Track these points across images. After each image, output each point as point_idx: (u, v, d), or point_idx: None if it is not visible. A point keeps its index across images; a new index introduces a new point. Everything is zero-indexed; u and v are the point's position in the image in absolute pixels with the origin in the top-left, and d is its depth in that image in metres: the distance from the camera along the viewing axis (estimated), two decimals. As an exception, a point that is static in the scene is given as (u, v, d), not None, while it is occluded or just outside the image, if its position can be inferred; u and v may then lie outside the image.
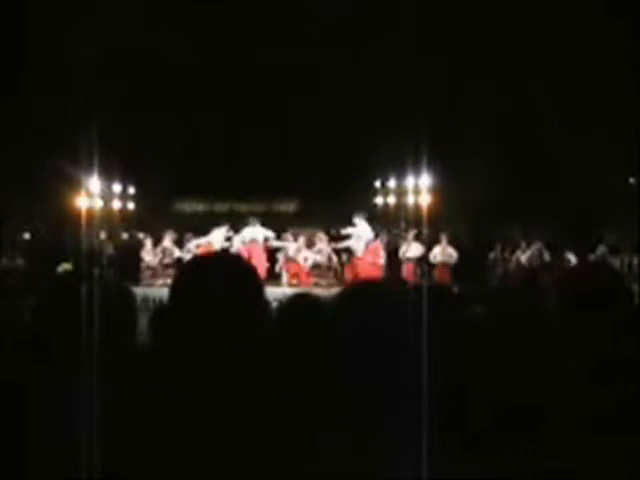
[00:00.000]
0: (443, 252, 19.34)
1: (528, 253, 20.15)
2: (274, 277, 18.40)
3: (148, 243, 19.04)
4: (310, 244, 18.93)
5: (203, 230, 19.43)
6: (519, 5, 22.54)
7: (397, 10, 22.88)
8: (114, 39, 22.32)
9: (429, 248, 19.12)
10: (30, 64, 22.42)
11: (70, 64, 21.98)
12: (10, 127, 21.62)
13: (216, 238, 18.36)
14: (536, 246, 20.15)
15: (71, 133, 17.97)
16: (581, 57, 21.99)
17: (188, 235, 19.17)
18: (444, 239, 19.40)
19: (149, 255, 18.91)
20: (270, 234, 18.73)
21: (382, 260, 18.53)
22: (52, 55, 22.42)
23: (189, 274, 2.20)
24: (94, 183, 18.37)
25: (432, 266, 19.22)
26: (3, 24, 21.65)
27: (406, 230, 19.80)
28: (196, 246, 18.34)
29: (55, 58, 22.39)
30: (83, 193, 18.28)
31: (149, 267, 18.82)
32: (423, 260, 19.11)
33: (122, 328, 2.38)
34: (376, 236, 18.97)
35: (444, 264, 19.30)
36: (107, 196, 20.95)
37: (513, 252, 20.79)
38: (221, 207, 26.79)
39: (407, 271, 18.79)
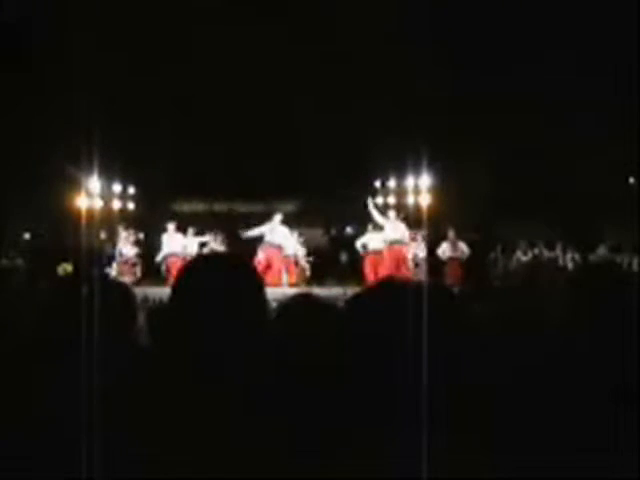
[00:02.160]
0: (453, 247, 18.71)
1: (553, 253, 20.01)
2: None
3: (123, 234, 18.61)
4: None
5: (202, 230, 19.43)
6: (518, 6, 22.56)
7: (398, 12, 22.90)
8: (116, 39, 22.33)
9: (430, 247, 18.75)
10: (30, 64, 22.44)
11: (71, 63, 21.99)
12: (10, 127, 21.63)
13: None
14: (559, 246, 20.09)
15: (71, 133, 17.98)
16: (581, 57, 22.00)
17: None
18: (452, 233, 18.82)
19: (126, 247, 18.46)
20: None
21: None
22: (52, 54, 22.42)
23: (189, 274, 2.19)
24: (94, 183, 18.36)
25: (443, 263, 18.63)
26: (4, 25, 21.64)
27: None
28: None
29: (55, 57, 22.40)
30: (83, 193, 18.26)
31: (127, 261, 18.43)
32: (424, 259, 18.74)
33: (122, 328, 2.37)
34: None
35: (455, 260, 18.66)
36: (107, 196, 20.93)
37: (513, 252, 20.81)
38: (221, 207, 26.79)
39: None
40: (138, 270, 18.52)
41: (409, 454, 1.85)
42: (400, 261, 17.41)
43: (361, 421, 1.93)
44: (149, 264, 18.55)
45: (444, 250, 18.74)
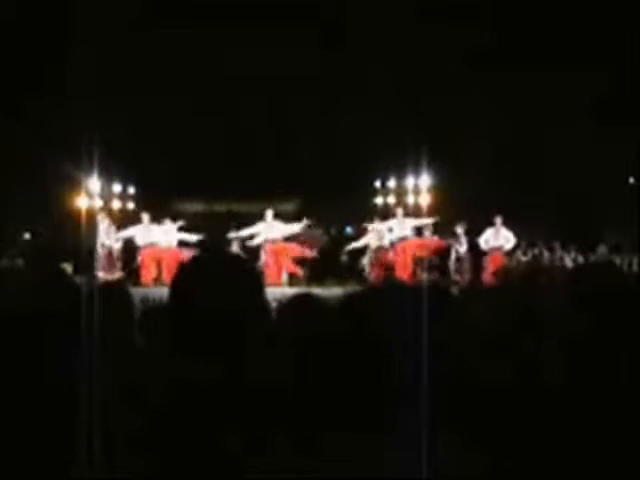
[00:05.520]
0: (497, 235, 17.33)
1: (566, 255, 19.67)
2: None
3: (105, 223, 17.94)
4: None
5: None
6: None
7: (397, 10, 22.90)
8: (113, 39, 22.32)
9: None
10: (29, 64, 22.43)
11: (69, 64, 21.98)
12: (10, 127, 21.63)
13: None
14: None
15: (71, 133, 17.94)
16: (580, 57, 21.99)
17: None
18: (499, 220, 17.40)
19: (108, 239, 17.69)
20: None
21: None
22: (51, 55, 22.42)
23: (189, 273, 2.19)
24: (94, 183, 18.29)
25: (484, 253, 17.38)
26: (5, 28, 21.63)
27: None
28: None
29: (54, 58, 22.39)
30: (83, 193, 18.18)
31: (111, 254, 17.57)
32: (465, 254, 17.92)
33: (120, 327, 2.38)
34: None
35: (499, 250, 17.28)
36: (107, 196, 20.89)
37: (513, 252, 20.77)
38: (221, 207, 26.77)
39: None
40: (120, 265, 17.98)
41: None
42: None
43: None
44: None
45: (487, 239, 17.37)
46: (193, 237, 17.92)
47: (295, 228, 17.68)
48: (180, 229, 17.93)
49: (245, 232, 17.71)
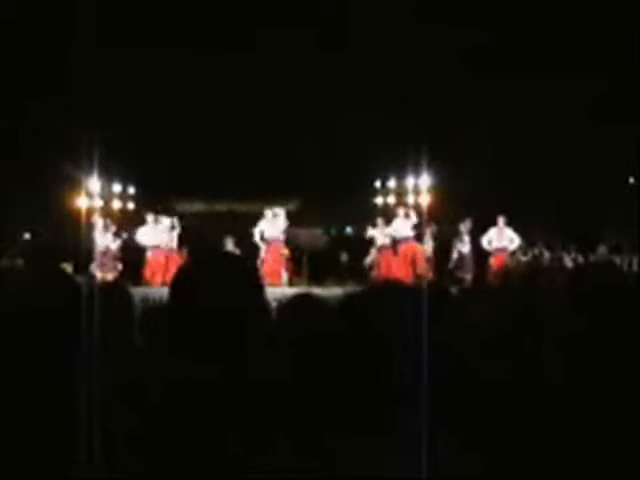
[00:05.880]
0: (500, 236, 17.11)
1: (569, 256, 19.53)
2: None
3: (99, 223, 17.86)
4: None
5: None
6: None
7: (397, 10, 22.91)
8: (113, 39, 22.33)
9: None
10: (29, 64, 22.43)
11: (69, 64, 21.98)
12: (10, 127, 21.64)
13: None
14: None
15: (71, 133, 17.95)
16: (580, 57, 22.00)
17: None
18: (502, 220, 17.25)
19: (103, 238, 17.66)
20: None
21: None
22: (51, 55, 22.42)
23: (189, 273, 2.19)
24: (94, 183, 18.28)
25: (487, 253, 17.23)
26: (5, 28, 21.64)
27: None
28: None
29: (54, 58, 22.39)
30: (83, 193, 18.18)
31: (106, 253, 17.49)
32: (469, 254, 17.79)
33: (120, 327, 2.38)
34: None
35: (503, 250, 17.04)
36: (107, 196, 20.88)
37: (513, 252, 20.76)
38: (221, 207, 26.77)
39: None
40: (119, 265, 17.97)
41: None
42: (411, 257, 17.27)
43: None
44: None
45: (490, 239, 17.19)
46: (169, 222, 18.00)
47: (282, 218, 17.75)
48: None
49: (256, 232, 17.75)
